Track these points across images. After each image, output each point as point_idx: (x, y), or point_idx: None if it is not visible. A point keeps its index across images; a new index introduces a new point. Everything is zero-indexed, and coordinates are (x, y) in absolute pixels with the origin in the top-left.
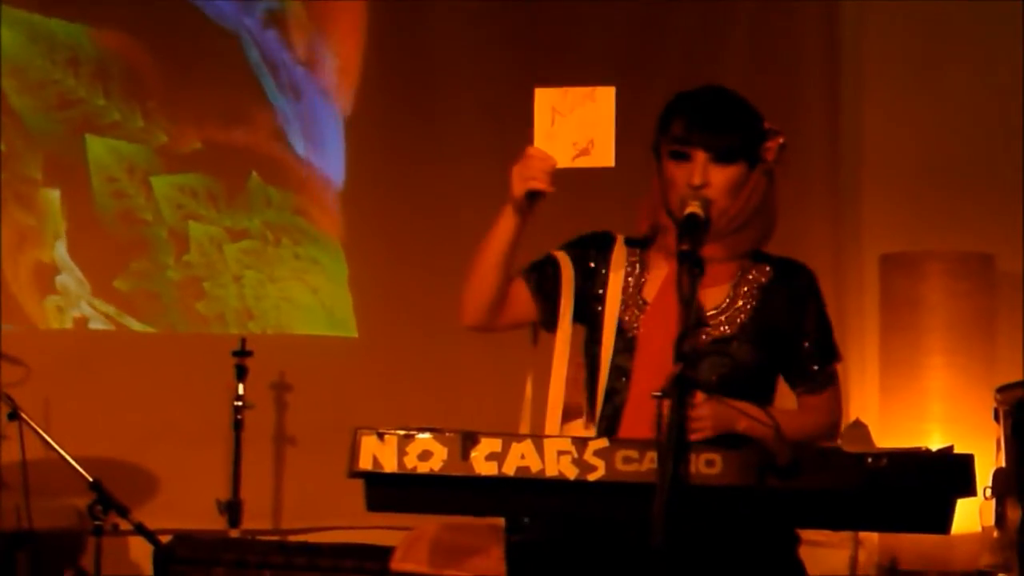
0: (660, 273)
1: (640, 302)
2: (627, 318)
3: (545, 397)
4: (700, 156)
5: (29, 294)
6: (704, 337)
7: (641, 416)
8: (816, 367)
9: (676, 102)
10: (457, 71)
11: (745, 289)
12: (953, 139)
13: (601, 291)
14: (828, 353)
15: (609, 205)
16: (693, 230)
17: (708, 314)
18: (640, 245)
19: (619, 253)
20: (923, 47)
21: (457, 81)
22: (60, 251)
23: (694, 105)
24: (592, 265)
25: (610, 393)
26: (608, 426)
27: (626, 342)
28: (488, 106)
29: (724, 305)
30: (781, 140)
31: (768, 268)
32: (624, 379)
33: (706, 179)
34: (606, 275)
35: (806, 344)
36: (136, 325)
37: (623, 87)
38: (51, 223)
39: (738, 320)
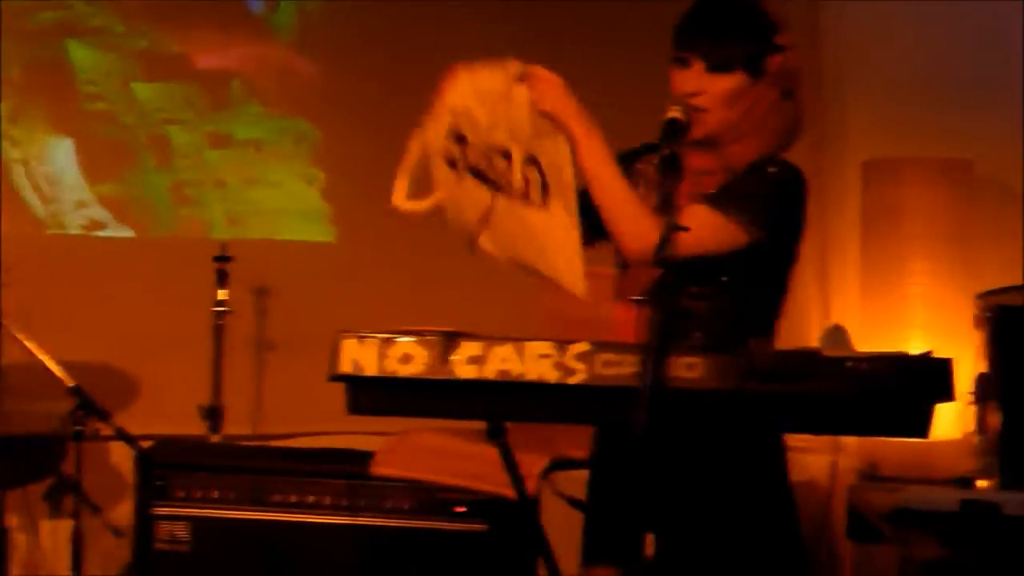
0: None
1: None
2: None
3: None
4: (696, 64)
5: (8, 199)
6: None
7: (620, 314)
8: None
9: (689, 10)
10: None
11: None
12: (934, 46)
13: None
14: (732, 197)
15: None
16: (672, 135)
17: None
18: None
19: (643, 162)
20: None
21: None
22: (41, 156)
23: (699, 12)
24: None
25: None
26: None
27: None
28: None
29: None
30: (790, 55)
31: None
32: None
33: (700, 87)
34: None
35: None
36: (118, 230)
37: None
38: (32, 128)
39: None
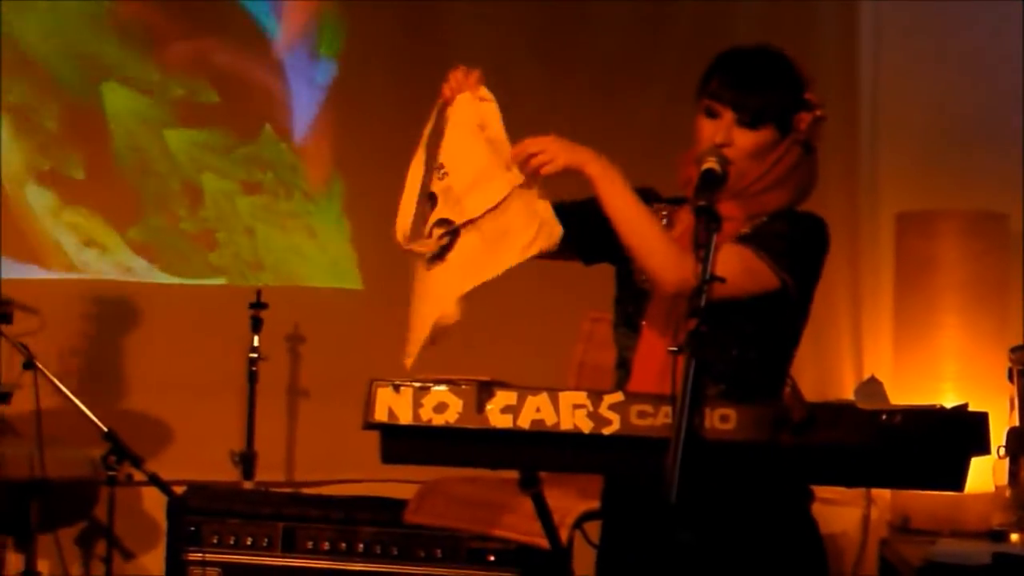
0: (682, 227)
1: None
2: None
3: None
4: (727, 115)
5: (45, 244)
6: None
7: (650, 366)
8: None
9: (721, 58)
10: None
11: None
12: (969, 98)
13: None
14: (764, 238)
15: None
16: (709, 185)
17: None
18: (678, 203)
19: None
20: (939, 6)
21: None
22: (76, 202)
23: (733, 64)
24: None
25: (623, 341)
26: (621, 376)
27: (641, 292)
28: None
29: None
30: (818, 114)
31: (768, 218)
32: (634, 329)
33: (729, 139)
34: None
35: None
36: (150, 276)
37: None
38: (67, 173)
39: None
